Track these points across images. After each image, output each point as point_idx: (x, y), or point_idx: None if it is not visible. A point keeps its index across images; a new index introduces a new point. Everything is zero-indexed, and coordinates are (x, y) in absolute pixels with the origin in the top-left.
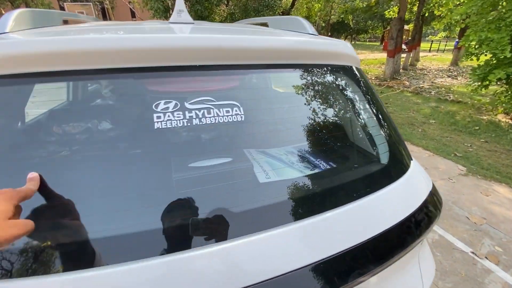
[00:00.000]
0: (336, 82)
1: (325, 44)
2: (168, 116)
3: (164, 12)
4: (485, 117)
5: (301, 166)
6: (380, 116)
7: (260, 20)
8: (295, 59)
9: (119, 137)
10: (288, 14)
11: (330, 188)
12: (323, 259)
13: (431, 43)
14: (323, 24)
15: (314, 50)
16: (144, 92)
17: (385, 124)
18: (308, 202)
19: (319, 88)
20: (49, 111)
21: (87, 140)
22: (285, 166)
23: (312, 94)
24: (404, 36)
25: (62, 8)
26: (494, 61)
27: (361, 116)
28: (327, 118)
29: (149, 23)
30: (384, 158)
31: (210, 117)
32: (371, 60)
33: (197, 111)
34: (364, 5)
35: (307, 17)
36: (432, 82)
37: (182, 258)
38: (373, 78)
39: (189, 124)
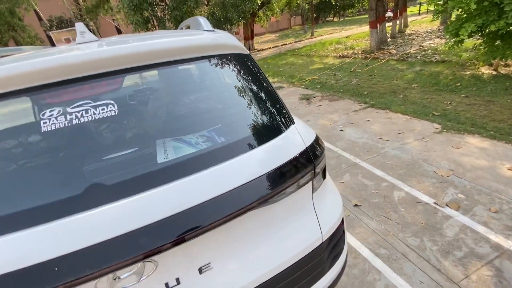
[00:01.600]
0: (224, 66)
1: (204, 38)
2: (52, 120)
3: (145, 23)
4: (468, 73)
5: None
6: (264, 92)
7: (186, 23)
8: (174, 56)
9: (30, 140)
10: (268, 3)
11: (212, 151)
12: (215, 196)
13: (420, 6)
14: (307, 6)
15: (195, 45)
16: (40, 106)
17: (267, 99)
18: (195, 163)
19: (210, 76)
20: None
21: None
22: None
23: (201, 81)
24: (391, 4)
25: (49, 37)
26: (464, 15)
27: (248, 94)
28: (219, 99)
29: (58, 48)
30: (263, 125)
31: (87, 116)
32: (359, 34)
33: (76, 113)
34: None
35: (288, 2)
36: (420, 46)
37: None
38: (359, 53)
39: (69, 124)
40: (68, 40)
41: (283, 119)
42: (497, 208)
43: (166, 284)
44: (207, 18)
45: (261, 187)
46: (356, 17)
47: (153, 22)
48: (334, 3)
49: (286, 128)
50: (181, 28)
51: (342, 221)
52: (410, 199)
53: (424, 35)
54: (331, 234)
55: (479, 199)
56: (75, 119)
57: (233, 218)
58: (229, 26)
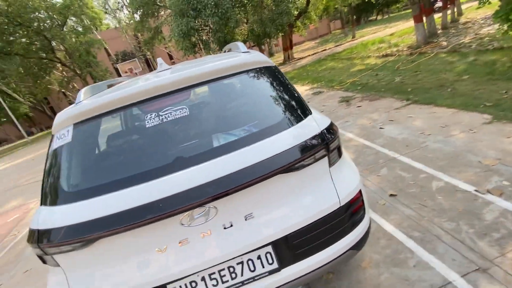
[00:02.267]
0: (257, 77)
1: (240, 58)
2: (152, 120)
3: (192, 48)
4: None
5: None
6: (287, 92)
7: (228, 46)
8: (220, 73)
9: (138, 133)
10: (306, 12)
11: (250, 136)
12: (253, 164)
13: None
14: (346, 9)
15: (232, 65)
16: (141, 113)
17: (288, 96)
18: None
19: (245, 83)
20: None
21: (115, 143)
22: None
23: (240, 90)
24: None
25: (116, 69)
26: None
27: (272, 94)
28: (251, 102)
29: (144, 76)
30: (283, 118)
31: (171, 118)
32: (404, 30)
33: (164, 117)
34: None
35: (326, 9)
36: (476, 34)
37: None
38: (404, 49)
39: (161, 122)
40: (130, 70)
41: (302, 111)
42: None
43: (223, 225)
44: (247, 35)
45: (285, 158)
46: (402, 12)
47: (199, 45)
48: (374, 2)
49: (305, 117)
50: (225, 51)
51: (361, 192)
52: (449, 188)
53: (482, 21)
54: (349, 201)
55: None
56: (164, 119)
57: (266, 179)
58: (268, 40)
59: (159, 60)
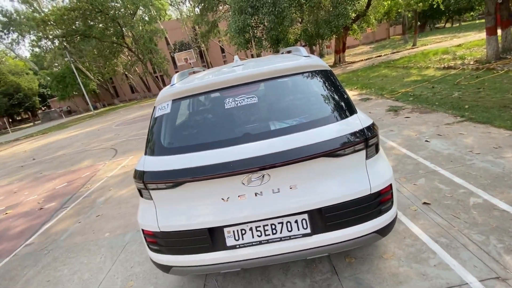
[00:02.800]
0: (314, 78)
1: (301, 61)
2: (229, 103)
3: (245, 44)
4: None
5: (291, 120)
6: (337, 93)
7: (288, 48)
8: (285, 72)
9: (217, 111)
10: (364, 15)
11: (301, 125)
12: (302, 145)
13: None
14: (409, 15)
15: (295, 66)
16: (220, 97)
17: (338, 97)
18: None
19: (304, 82)
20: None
21: (201, 117)
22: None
23: (299, 86)
24: None
25: (172, 58)
26: None
27: (325, 93)
28: (307, 97)
29: (222, 68)
30: (332, 114)
31: (243, 104)
32: (475, 41)
33: (239, 102)
34: None
35: (387, 13)
36: None
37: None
38: (470, 63)
39: (236, 105)
40: (186, 60)
41: (348, 110)
42: None
43: (272, 190)
44: (300, 35)
45: (329, 145)
46: (476, 22)
47: (252, 42)
48: (443, 9)
49: (350, 115)
50: (282, 53)
51: (391, 186)
52: (487, 206)
53: None
54: (379, 190)
55: None
56: (238, 103)
57: (311, 159)
58: (320, 41)
59: (236, 57)
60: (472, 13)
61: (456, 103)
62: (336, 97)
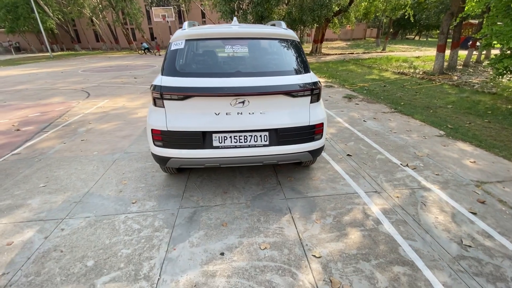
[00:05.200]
0: (287, 44)
1: (281, 31)
2: (225, 51)
3: (230, 13)
4: (510, 106)
5: (265, 68)
6: (300, 57)
7: (272, 22)
8: (269, 36)
9: (218, 52)
10: (346, 11)
11: (269, 72)
12: (271, 85)
13: None
14: (385, 20)
15: (276, 33)
16: (220, 44)
17: (300, 60)
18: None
19: (280, 45)
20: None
21: (205, 55)
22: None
23: (276, 47)
24: (470, 31)
25: (147, 12)
26: (507, 52)
27: (292, 55)
28: (280, 55)
29: (223, 25)
30: (294, 69)
31: (237, 51)
32: (431, 56)
33: (234, 49)
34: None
35: (366, 14)
36: (486, 78)
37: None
38: (420, 73)
39: (233, 52)
40: (163, 17)
41: (305, 70)
42: None
43: (249, 112)
44: (284, 17)
45: (289, 87)
46: None
47: (237, 13)
48: (413, 21)
49: (305, 73)
50: (268, 24)
51: (323, 124)
52: (385, 159)
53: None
54: (314, 124)
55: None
56: (235, 50)
57: (275, 94)
58: (301, 27)
59: (234, 18)
60: (438, 31)
61: (396, 100)
62: (299, 59)
